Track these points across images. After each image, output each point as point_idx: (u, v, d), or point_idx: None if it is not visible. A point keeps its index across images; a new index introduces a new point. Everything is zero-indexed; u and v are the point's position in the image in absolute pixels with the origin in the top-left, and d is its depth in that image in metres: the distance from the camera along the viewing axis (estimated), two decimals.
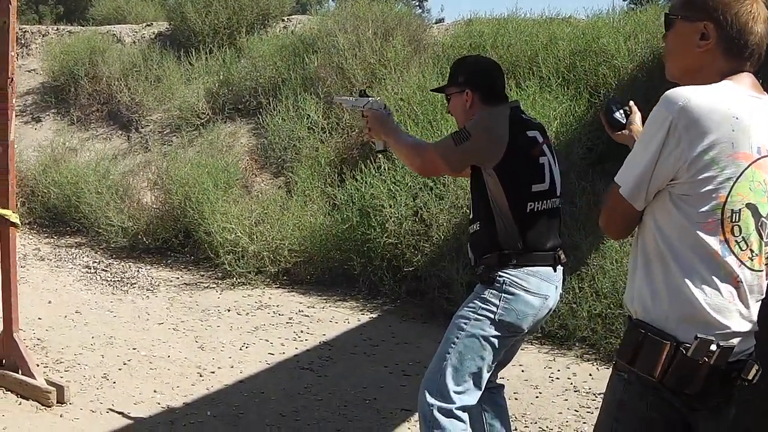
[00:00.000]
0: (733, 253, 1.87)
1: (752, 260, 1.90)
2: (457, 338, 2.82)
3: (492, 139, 2.87)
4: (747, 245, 1.88)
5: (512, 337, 2.92)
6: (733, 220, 1.86)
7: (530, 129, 2.98)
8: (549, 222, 2.95)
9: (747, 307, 1.90)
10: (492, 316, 2.82)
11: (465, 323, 2.83)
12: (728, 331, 1.87)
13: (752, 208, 1.88)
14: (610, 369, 2.09)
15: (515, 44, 7.85)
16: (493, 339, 2.83)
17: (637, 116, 2.59)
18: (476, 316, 2.82)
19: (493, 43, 7.95)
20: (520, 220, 2.86)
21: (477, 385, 2.84)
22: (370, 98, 3.22)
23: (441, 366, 2.83)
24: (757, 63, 1.96)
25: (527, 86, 7.03)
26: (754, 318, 1.94)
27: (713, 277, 1.86)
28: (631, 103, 2.64)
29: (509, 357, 3.16)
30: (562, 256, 2.98)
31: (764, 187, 1.89)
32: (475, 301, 2.86)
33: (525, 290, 2.84)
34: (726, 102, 1.84)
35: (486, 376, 2.87)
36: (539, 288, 2.87)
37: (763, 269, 1.94)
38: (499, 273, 2.83)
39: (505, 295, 2.82)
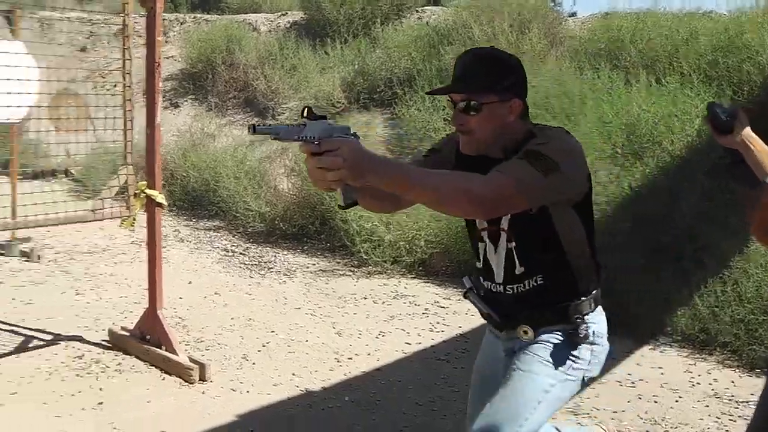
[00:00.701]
0: None
1: None
2: (540, 402, 2.34)
3: (580, 166, 2.27)
4: None
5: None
6: None
7: None
8: None
9: None
10: (581, 374, 2.39)
11: (552, 385, 2.35)
12: None
13: None
14: (754, 377, 1.95)
15: (654, 39, 7.70)
16: (569, 397, 2.44)
17: (744, 119, 2.55)
18: (566, 376, 2.36)
19: (631, 37, 7.84)
20: (595, 254, 2.40)
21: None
22: (325, 120, 1.94)
23: (516, 426, 2.32)
24: None
25: (667, 82, 6.89)
26: None
27: None
28: (737, 106, 2.73)
29: None
30: None
31: None
32: (568, 360, 2.36)
33: (604, 335, 2.43)
34: None
35: None
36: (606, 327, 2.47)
37: None
38: (586, 324, 2.35)
39: (594, 347, 2.39)
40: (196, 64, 10.89)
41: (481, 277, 2.46)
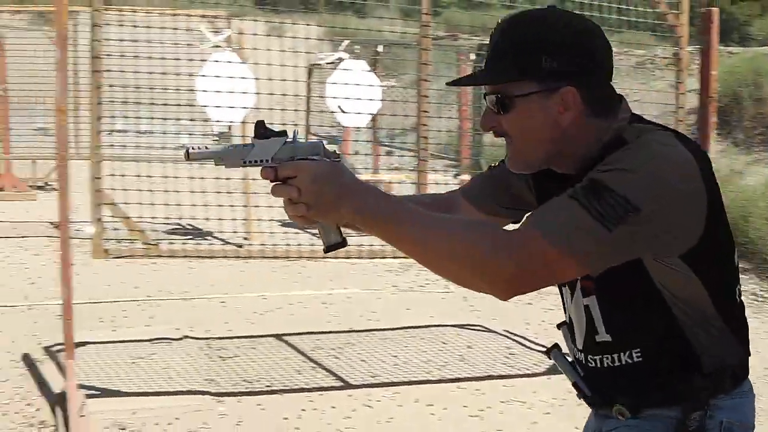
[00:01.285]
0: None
1: None
2: None
3: (685, 207, 1.45)
4: None
5: None
6: None
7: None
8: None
9: None
10: None
11: None
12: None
13: None
14: None
15: None
16: None
17: None
18: None
19: None
20: (732, 318, 1.59)
21: None
22: (283, 138, 1.47)
23: None
24: None
25: None
26: None
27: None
28: None
29: None
30: None
31: None
32: None
33: (747, 427, 1.62)
34: None
35: None
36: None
37: None
38: (707, 411, 1.57)
39: None
40: (721, 98, 10.97)
41: (569, 335, 1.73)
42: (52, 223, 8.96)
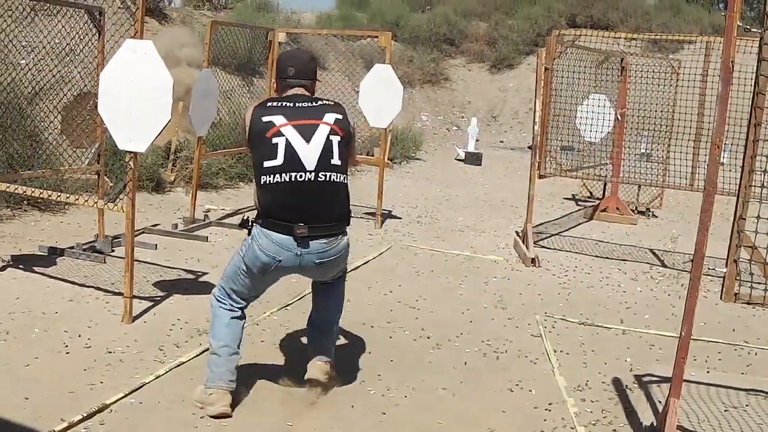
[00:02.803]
0: None
1: None
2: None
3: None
4: None
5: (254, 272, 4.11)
6: None
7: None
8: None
9: None
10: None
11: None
12: None
13: None
14: None
15: None
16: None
17: None
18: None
19: None
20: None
21: None
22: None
23: None
24: None
25: None
26: None
27: None
28: None
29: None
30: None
31: None
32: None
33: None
34: None
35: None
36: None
37: None
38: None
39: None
40: None
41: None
42: (651, 250, 9.19)
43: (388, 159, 12.68)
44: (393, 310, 6.17)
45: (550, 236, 9.69)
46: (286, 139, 3.86)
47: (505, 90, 22.81)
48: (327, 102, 4.10)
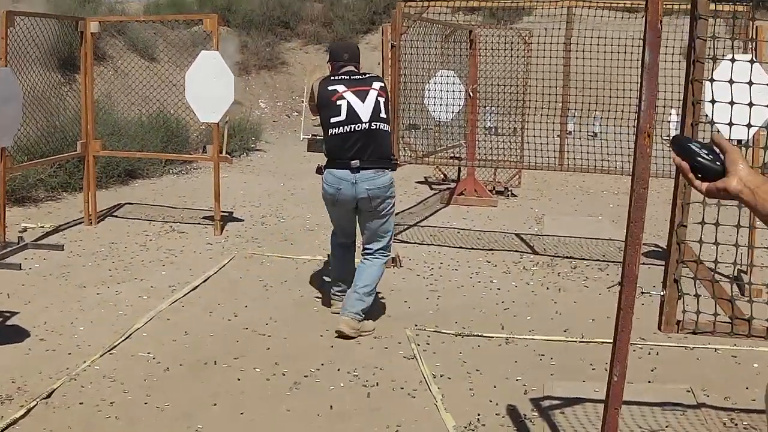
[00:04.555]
0: None
1: None
2: None
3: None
4: None
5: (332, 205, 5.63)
6: None
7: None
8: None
9: None
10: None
11: None
12: None
13: None
14: None
15: None
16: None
17: (734, 155, 1.75)
18: None
19: None
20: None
21: None
22: None
23: None
24: None
25: None
26: None
27: None
28: (720, 139, 1.80)
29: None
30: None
31: None
32: None
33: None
34: None
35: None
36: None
37: None
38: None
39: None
40: None
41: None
42: (518, 235, 8.60)
43: (227, 153, 11.63)
44: (240, 340, 5.22)
45: (407, 228, 8.94)
46: (347, 101, 5.36)
47: None
48: (372, 75, 5.66)
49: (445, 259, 7.53)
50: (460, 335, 5.36)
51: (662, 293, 2.57)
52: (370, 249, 5.61)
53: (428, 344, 5.19)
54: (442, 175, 12.24)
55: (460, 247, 7.98)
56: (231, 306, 5.93)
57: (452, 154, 11.33)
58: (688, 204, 2.54)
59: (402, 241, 8.11)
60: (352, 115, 5.35)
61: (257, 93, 20.08)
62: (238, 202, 10.06)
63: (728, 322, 2.59)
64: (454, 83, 9.99)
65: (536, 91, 9.19)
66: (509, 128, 11.19)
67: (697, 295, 2.63)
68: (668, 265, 2.56)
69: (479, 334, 5.37)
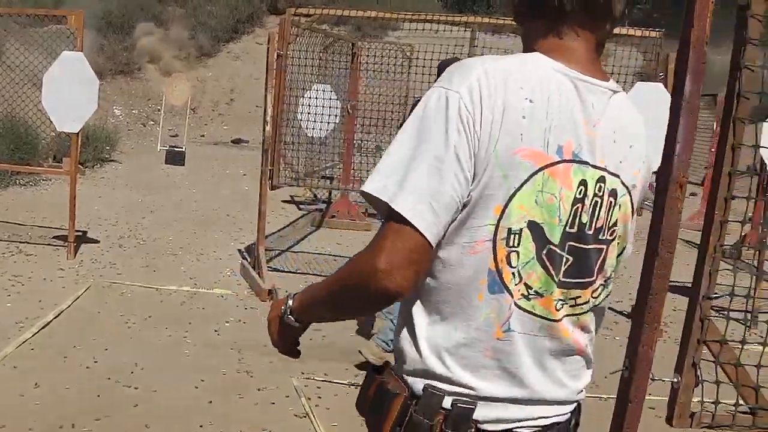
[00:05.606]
0: (507, 289, 1.48)
1: (529, 300, 1.50)
2: None
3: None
4: (520, 279, 1.48)
5: None
6: (512, 244, 1.46)
7: None
8: None
9: (535, 367, 1.54)
10: None
11: None
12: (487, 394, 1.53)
13: (535, 228, 1.47)
14: None
15: None
16: None
17: None
18: None
19: None
20: None
21: None
22: None
23: None
24: (605, 19, 1.51)
25: None
26: (556, 385, 1.56)
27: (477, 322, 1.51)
28: None
29: None
30: None
31: (557, 203, 1.47)
32: None
33: None
34: (521, 76, 1.45)
35: None
36: None
37: (561, 318, 1.53)
38: None
39: None
40: None
41: None
42: None
43: (78, 163, 10.64)
44: (101, 394, 4.47)
45: (279, 254, 8.34)
46: None
47: (204, 80, 21.14)
48: None
49: None
50: (353, 385, 4.81)
51: (676, 380, 2.11)
52: None
53: (320, 397, 4.62)
54: (311, 195, 11.68)
55: None
56: (89, 348, 5.16)
57: (324, 174, 10.82)
58: (717, 271, 2.10)
59: (275, 270, 7.51)
60: None
61: (112, 99, 18.96)
62: (92, 220, 9.14)
63: (749, 413, 2.17)
64: (329, 98, 9.49)
65: None
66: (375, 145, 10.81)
67: (717, 382, 2.18)
68: (686, 345, 2.10)
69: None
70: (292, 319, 1.67)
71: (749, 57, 2.00)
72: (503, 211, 1.45)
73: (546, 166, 1.45)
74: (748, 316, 2.59)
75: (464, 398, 1.53)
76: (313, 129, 9.42)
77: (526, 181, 1.45)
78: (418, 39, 9.66)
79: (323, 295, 1.61)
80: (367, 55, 10.05)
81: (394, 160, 1.46)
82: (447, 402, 1.53)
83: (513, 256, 1.48)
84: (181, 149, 15.08)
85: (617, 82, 1.62)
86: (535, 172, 1.45)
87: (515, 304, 1.50)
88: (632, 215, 1.59)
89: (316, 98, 9.28)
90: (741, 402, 2.18)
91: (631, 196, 1.56)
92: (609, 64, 7.87)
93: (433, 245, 1.44)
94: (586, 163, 1.49)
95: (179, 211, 10.32)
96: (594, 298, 1.58)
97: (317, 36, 9.65)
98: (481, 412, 1.54)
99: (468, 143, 1.42)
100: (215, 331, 5.75)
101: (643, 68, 9.49)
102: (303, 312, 1.66)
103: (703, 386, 2.10)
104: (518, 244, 1.47)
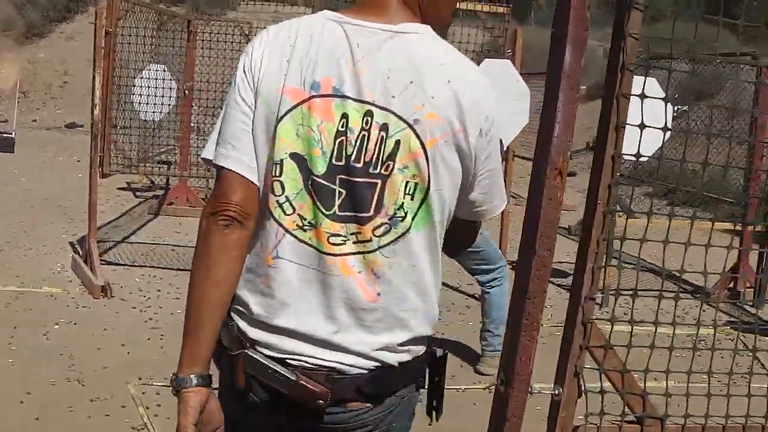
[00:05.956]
0: (273, 217, 1.60)
1: (305, 231, 1.59)
2: None
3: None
4: (294, 209, 1.59)
5: None
6: (275, 174, 1.59)
7: None
8: None
9: (308, 300, 1.60)
10: None
11: None
12: (270, 324, 1.62)
13: (298, 159, 1.58)
14: None
15: None
16: None
17: None
18: None
19: None
20: None
21: None
22: None
23: None
24: None
25: None
26: (331, 327, 1.59)
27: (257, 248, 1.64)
28: None
29: None
30: None
31: (318, 136, 1.56)
32: None
33: None
34: (291, 27, 1.64)
35: None
36: None
37: (340, 253, 1.58)
38: None
39: None
40: None
41: None
42: None
43: None
44: None
45: (114, 245, 7.83)
46: None
47: (36, 62, 19.87)
48: None
49: (162, 284, 6.58)
50: None
51: (557, 392, 1.91)
52: (481, 282, 5.21)
53: (159, 405, 4.27)
54: (148, 182, 11.11)
55: (179, 269, 7.04)
56: None
57: (161, 159, 10.33)
58: (601, 268, 1.90)
59: (109, 263, 7.04)
60: None
61: None
62: None
63: (636, 422, 2.01)
64: (164, 79, 9.01)
65: None
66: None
67: (602, 391, 2.00)
68: (567, 354, 1.90)
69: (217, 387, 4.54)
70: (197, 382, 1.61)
71: (634, 23, 1.80)
72: (272, 144, 1.59)
73: (303, 101, 1.57)
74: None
75: (245, 320, 1.65)
76: (148, 112, 8.96)
77: (284, 116, 1.58)
78: (257, 17, 9.34)
79: (191, 295, 1.61)
80: (203, 32, 9.58)
81: (216, 126, 1.67)
82: (240, 324, 1.66)
83: (276, 185, 1.59)
84: (10, 135, 14.05)
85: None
86: (293, 107, 1.57)
87: (290, 233, 1.60)
88: (425, 151, 1.56)
89: (151, 79, 8.82)
90: (627, 411, 2.02)
91: (414, 130, 1.56)
92: (456, 40, 7.75)
93: (247, 175, 1.60)
94: (348, 97, 1.57)
95: (6, 202, 9.54)
96: (377, 237, 1.59)
97: (151, 13, 9.14)
98: (257, 334, 1.63)
99: (248, 85, 1.60)
100: (44, 335, 5.26)
101: (491, 44, 9.49)
102: (195, 352, 1.62)
103: (587, 396, 1.91)
104: (280, 174, 1.58)
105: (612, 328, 2.01)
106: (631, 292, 2.17)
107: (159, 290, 6.40)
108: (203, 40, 9.53)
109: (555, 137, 1.76)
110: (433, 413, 1.78)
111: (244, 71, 1.62)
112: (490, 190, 1.71)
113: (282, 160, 1.58)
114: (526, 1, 32.87)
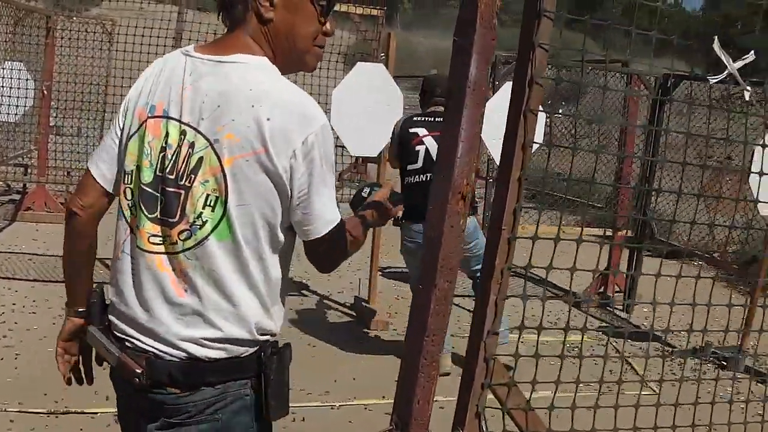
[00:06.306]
0: (124, 217, 1.90)
1: (138, 231, 1.86)
2: None
3: None
4: (133, 212, 1.88)
5: None
6: (126, 182, 1.89)
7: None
8: None
9: (135, 290, 1.87)
10: None
11: None
12: (114, 308, 1.94)
13: (138, 170, 1.87)
14: None
15: None
16: None
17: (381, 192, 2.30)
18: None
19: None
20: None
21: None
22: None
23: None
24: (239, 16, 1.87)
25: None
26: (148, 316, 1.84)
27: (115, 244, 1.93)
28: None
29: None
30: None
31: (149, 150, 1.85)
32: None
33: None
34: (158, 61, 1.96)
35: None
36: None
37: (157, 251, 1.84)
38: None
39: None
40: None
41: None
42: None
43: None
44: None
45: None
46: (426, 147, 5.01)
47: None
48: None
49: (17, 297, 6.14)
50: (53, 414, 4.16)
51: None
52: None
53: None
54: (4, 185, 10.45)
55: (35, 280, 6.60)
56: None
57: (18, 162, 9.73)
58: (505, 299, 1.71)
59: None
60: (430, 163, 4.94)
61: None
62: None
63: None
64: (22, 78, 8.52)
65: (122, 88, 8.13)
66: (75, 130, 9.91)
67: None
68: (468, 393, 1.71)
69: (80, 410, 4.21)
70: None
71: (543, 33, 1.65)
72: (124, 157, 1.90)
73: (144, 122, 1.86)
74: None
75: (110, 306, 1.96)
76: (3, 112, 8.44)
77: (134, 134, 1.88)
78: (121, 14, 8.94)
79: (62, 260, 2.09)
80: (64, 29, 9.08)
81: None
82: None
83: (127, 191, 1.88)
84: None
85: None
86: (139, 127, 1.87)
87: (132, 232, 1.87)
88: (222, 168, 1.75)
89: (6, 78, 8.35)
90: None
91: (214, 149, 1.76)
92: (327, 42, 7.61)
93: (100, 181, 1.96)
94: (172, 118, 1.82)
95: None
96: (181, 240, 1.81)
97: (7, 8, 8.59)
98: (111, 317, 1.94)
99: (123, 109, 1.94)
100: None
101: (362, 48, 9.35)
102: (70, 300, 2.10)
103: None
104: (130, 182, 1.88)
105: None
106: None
107: (14, 304, 5.96)
108: (64, 38, 9.03)
109: (458, 158, 1.64)
110: (263, 410, 1.86)
111: (123, 105, 1.95)
112: (311, 210, 1.81)
113: (131, 171, 1.88)
114: (393, 4, 33.05)
